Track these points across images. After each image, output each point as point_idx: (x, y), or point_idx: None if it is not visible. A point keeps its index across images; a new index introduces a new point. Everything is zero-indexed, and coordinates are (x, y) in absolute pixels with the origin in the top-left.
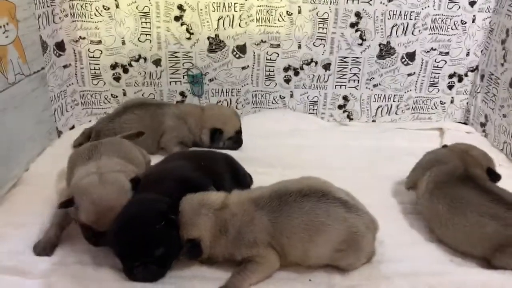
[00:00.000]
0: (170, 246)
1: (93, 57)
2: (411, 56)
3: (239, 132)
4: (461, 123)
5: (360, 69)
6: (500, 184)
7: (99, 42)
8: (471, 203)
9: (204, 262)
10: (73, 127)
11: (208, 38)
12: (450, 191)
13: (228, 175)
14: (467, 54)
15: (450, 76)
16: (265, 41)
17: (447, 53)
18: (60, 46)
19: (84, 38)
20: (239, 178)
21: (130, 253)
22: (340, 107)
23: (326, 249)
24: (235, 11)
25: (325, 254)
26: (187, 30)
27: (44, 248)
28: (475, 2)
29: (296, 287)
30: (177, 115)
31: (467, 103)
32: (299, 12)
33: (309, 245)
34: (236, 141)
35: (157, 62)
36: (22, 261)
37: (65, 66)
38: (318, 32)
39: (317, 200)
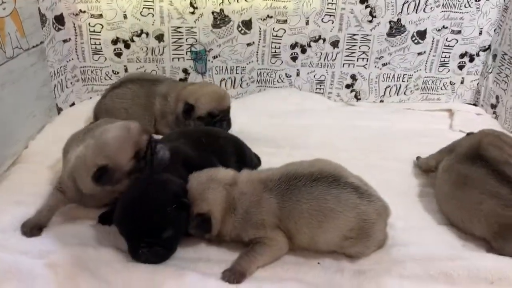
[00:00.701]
0: (179, 228)
1: (94, 31)
2: (421, 35)
3: (214, 116)
4: (470, 104)
5: (369, 47)
6: None
7: (100, 16)
8: (474, 180)
9: (213, 240)
10: (73, 104)
11: (213, 12)
12: (458, 168)
13: (233, 157)
14: (480, 33)
15: (461, 56)
16: (271, 17)
17: (459, 32)
18: (59, 20)
19: (84, 11)
20: (245, 161)
21: (138, 233)
22: (347, 86)
23: (334, 236)
24: None
25: (334, 240)
26: (191, 4)
27: (31, 228)
28: None
29: (305, 270)
30: (163, 94)
31: (477, 84)
32: None
33: (317, 231)
34: (208, 124)
35: (159, 38)
36: (20, 240)
37: (64, 41)
38: (327, 8)
39: (327, 185)
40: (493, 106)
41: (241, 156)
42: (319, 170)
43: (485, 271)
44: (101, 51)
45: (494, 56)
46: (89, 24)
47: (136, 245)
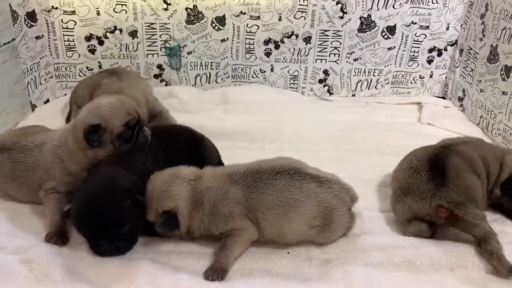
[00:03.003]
0: (136, 221)
1: (67, 28)
2: (391, 30)
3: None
4: (439, 97)
5: (340, 43)
6: None
7: (73, 12)
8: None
9: (183, 238)
10: (47, 101)
11: (186, 9)
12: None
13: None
14: (447, 28)
15: (430, 51)
16: (244, 13)
17: (427, 27)
18: (31, 16)
19: (56, 8)
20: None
21: (97, 232)
22: (320, 81)
23: (300, 225)
24: None
25: (300, 230)
26: (164, 0)
27: (55, 239)
28: None
29: (275, 260)
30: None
31: (446, 77)
32: None
33: (284, 221)
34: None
35: (133, 34)
36: None
37: (37, 38)
38: (299, 4)
39: (290, 178)
40: (460, 99)
41: (198, 153)
42: (281, 164)
43: (446, 259)
44: (75, 47)
45: (461, 51)
46: (61, 20)
47: (97, 243)
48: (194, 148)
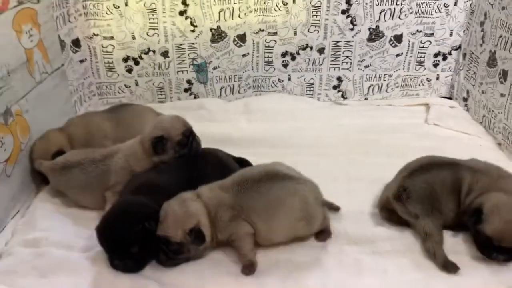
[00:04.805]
0: (145, 246)
1: (107, 51)
2: (398, 39)
3: None
4: (446, 98)
5: (352, 52)
6: (480, 155)
7: (111, 37)
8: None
9: (208, 250)
10: None
11: (211, 29)
12: None
13: (217, 173)
14: (451, 34)
15: (435, 55)
16: (263, 30)
17: (431, 34)
18: (76, 43)
19: (97, 34)
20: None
21: (109, 247)
22: (334, 87)
23: (286, 221)
24: (234, 3)
25: (287, 225)
26: (191, 23)
27: None
28: None
29: (296, 250)
30: None
31: (451, 79)
32: (294, 1)
33: (272, 221)
34: None
35: (165, 54)
36: (66, 237)
37: (81, 61)
38: (312, 20)
39: (270, 182)
40: (465, 100)
41: (225, 169)
42: (259, 172)
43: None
44: (114, 68)
45: (464, 55)
46: (102, 45)
47: (111, 257)
48: (221, 169)
